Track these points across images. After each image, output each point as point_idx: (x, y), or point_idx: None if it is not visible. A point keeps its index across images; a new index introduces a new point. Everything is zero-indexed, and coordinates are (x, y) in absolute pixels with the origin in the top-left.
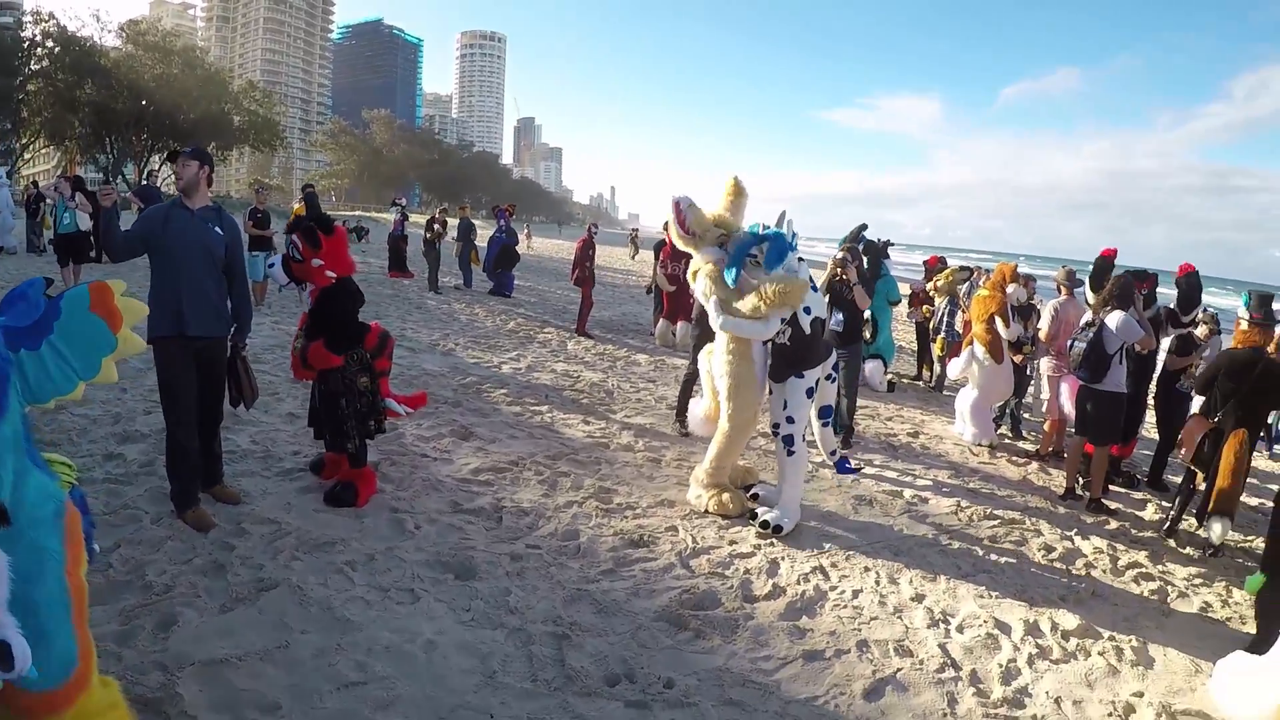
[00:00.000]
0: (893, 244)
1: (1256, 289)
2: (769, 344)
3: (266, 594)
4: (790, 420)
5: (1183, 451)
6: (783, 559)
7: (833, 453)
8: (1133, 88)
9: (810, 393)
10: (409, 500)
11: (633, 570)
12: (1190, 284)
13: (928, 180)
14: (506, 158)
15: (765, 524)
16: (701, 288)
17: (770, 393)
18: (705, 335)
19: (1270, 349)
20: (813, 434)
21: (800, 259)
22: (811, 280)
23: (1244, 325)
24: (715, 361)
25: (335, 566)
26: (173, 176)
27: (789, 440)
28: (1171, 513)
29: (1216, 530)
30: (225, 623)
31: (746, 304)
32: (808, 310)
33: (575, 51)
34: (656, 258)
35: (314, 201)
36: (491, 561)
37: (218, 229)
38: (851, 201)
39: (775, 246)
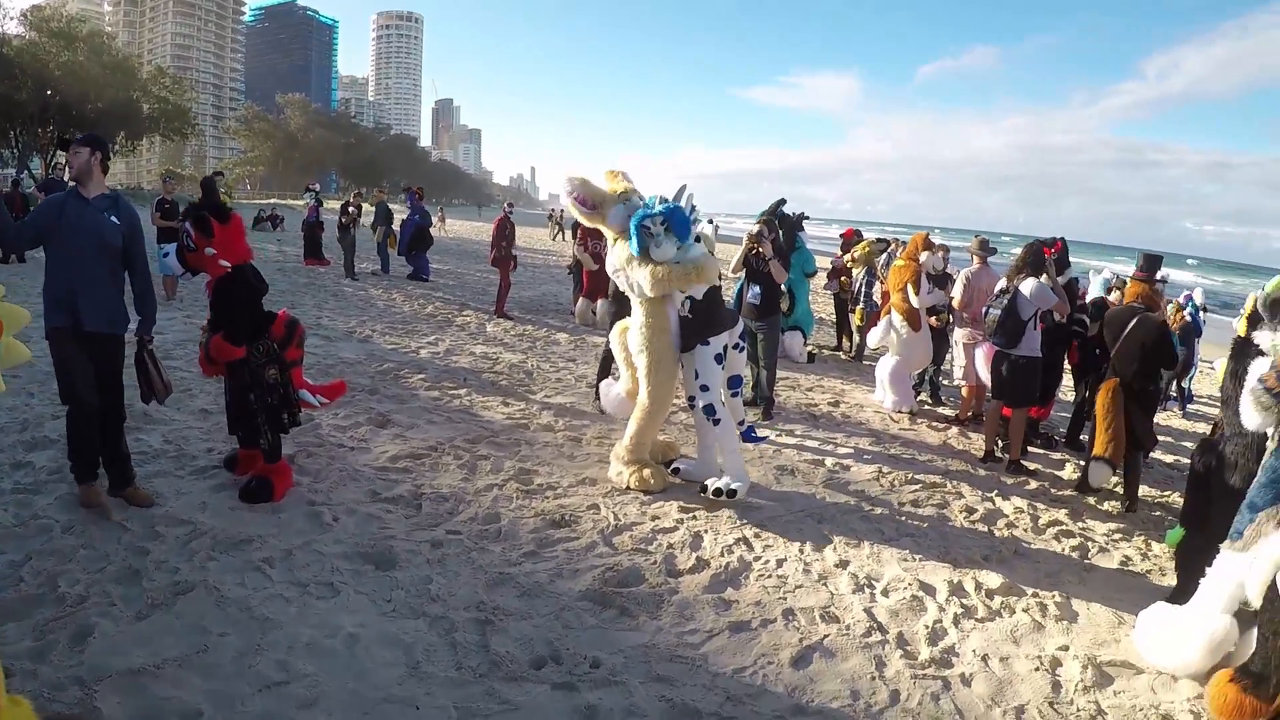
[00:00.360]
0: (808, 218)
1: (1151, 252)
2: (682, 319)
3: (183, 597)
4: (705, 389)
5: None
6: (706, 532)
7: (740, 422)
8: (1049, 67)
9: (719, 359)
10: (326, 492)
11: (555, 551)
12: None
13: (847, 156)
14: (425, 140)
15: (718, 491)
16: (617, 261)
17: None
18: (621, 312)
19: (1175, 320)
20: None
21: (697, 238)
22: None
23: (1129, 282)
24: (631, 338)
25: (252, 564)
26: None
27: (710, 409)
28: (1083, 470)
29: (1094, 475)
30: (142, 630)
31: (644, 274)
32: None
33: (494, 31)
34: (575, 236)
35: (210, 188)
36: (412, 550)
37: (114, 218)
38: (772, 178)
39: (676, 220)
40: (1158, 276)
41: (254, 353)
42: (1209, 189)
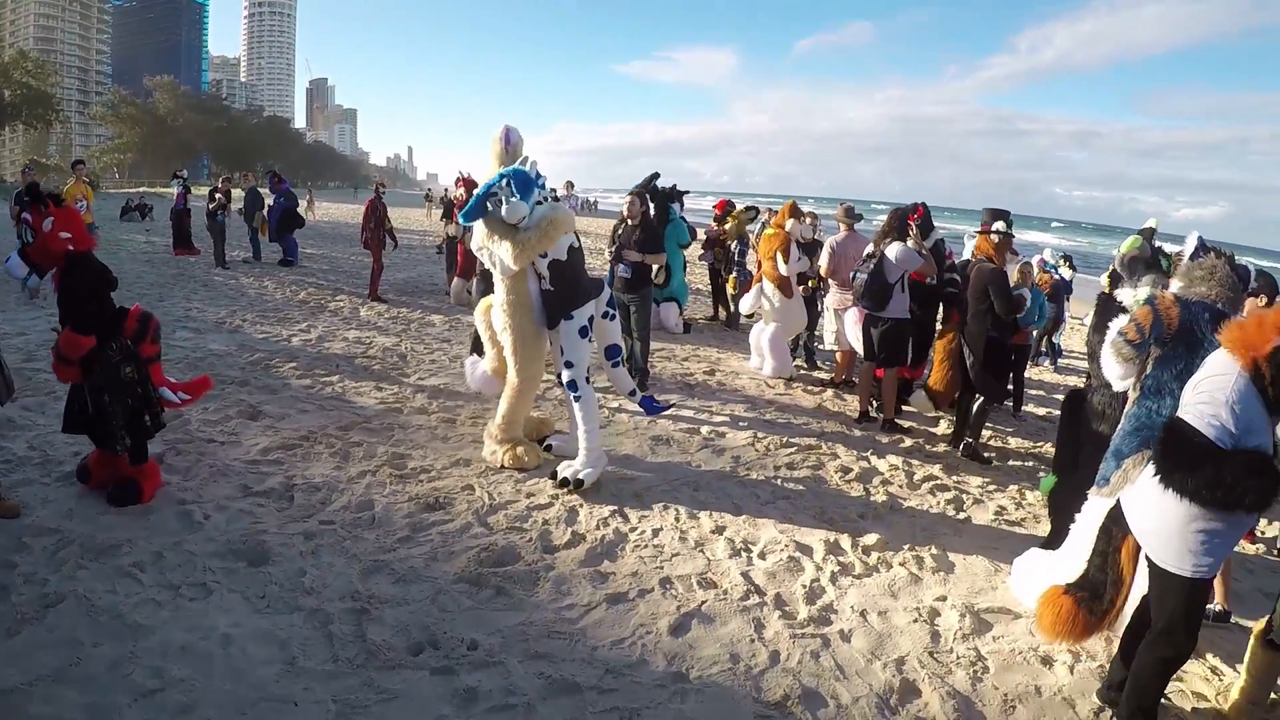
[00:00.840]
0: (687, 191)
1: (999, 209)
2: (544, 292)
3: (53, 610)
4: (569, 365)
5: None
6: (581, 506)
7: (631, 392)
8: (923, 41)
9: (584, 332)
10: (196, 489)
11: (430, 534)
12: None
13: (725, 129)
14: (299, 121)
15: (565, 481)
16: (479, 238)
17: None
18: (489, 290)
19: (1042, 280)
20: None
21: (545, 199)
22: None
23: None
24: (495, 316)
25: (123, 570)
26: None
27: (572, 385)
28: (955, 426)
29: (914, 399)
30: (13, 648)
31: (505, 247)
32: (544, 255)
33: (370, 7)
34: (448, 217)
35: (34, 185)
36: (284, 543)
37: None
38: (651, 152)
39: (518, 179)
40: (994, 228)
41: (107, 350)
42: (1078, 156)
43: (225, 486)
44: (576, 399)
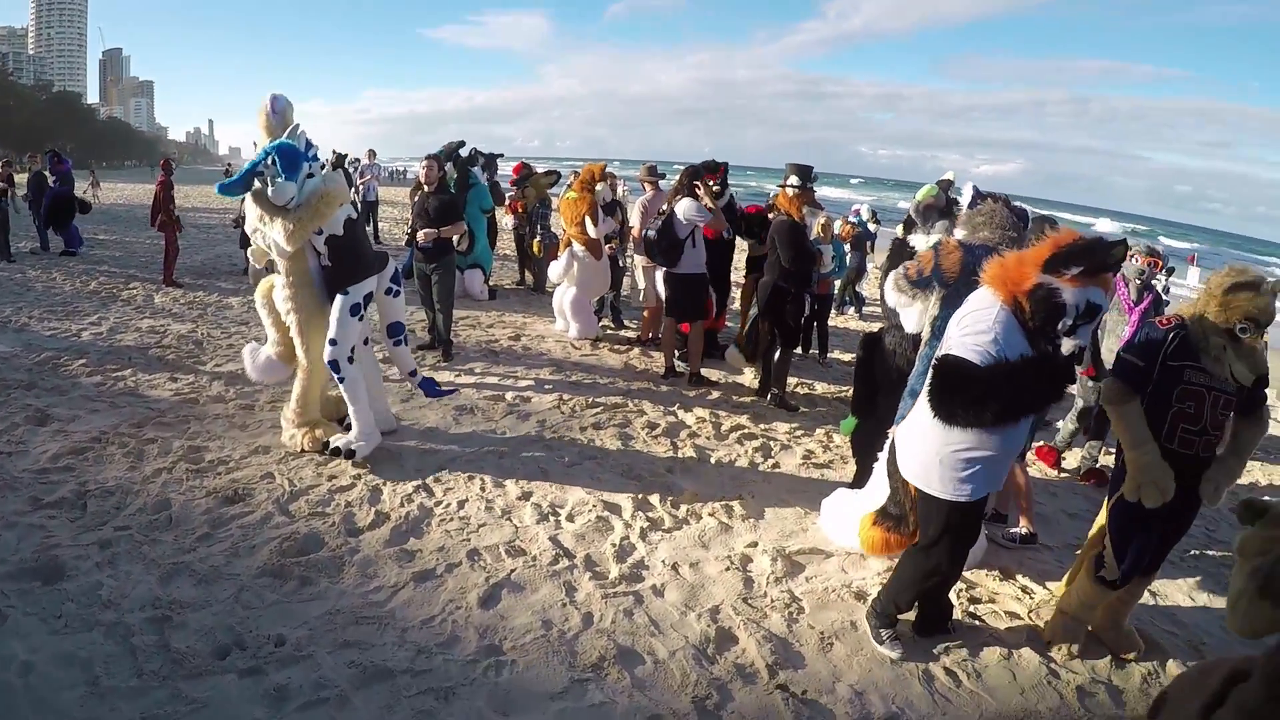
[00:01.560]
0: (500, 155)
1: (802, 164)
2: (324, 268)
3: None
4: (332, 343)
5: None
6: (384, 485)
7: (412, 373)
8: (734, 6)
9: (356, 310)
10: None
11: (230, 529)
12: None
13: (536, 94)
14: (92, 96)
15: (336, 450)
16: (252, 219)
17: None
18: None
19: (845, 232)
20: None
21: (314, 171)
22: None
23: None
24: (277, 297)
25: None
26: None
27: (334, 365)
28: (761, 377)
29: (727, 356)
30: None
31: (276, 228)
32: (319, 231)
33: None
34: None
35: None
36: (79, 555)
37: None
38: (461, 118)
39: (283, 155)
40: (790, 182)
41: None
42: (883, 117)
43: (14, 501)
44: (340, 380)
